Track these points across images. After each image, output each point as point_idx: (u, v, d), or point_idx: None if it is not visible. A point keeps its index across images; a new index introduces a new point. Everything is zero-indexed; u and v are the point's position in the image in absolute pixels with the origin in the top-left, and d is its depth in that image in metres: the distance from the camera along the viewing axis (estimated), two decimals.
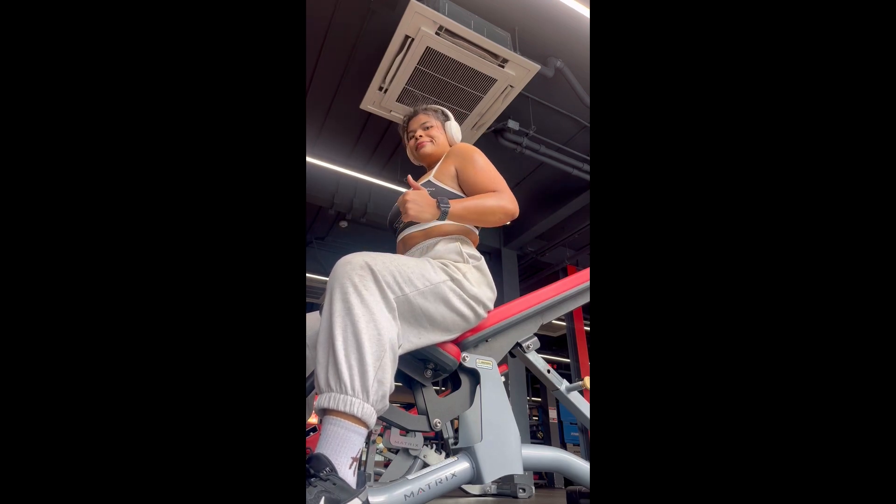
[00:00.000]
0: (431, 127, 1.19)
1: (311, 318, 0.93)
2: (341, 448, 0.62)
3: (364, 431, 0.65)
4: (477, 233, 1.07)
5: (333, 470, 0.60)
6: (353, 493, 0.60)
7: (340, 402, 0.64)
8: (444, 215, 0.91)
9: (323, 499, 0.56)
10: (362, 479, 0.65)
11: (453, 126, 1.21)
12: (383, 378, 0.67)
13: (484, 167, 1.02)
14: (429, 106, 1.24)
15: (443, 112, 1.23)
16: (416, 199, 0.89)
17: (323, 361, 0.67)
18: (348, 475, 0.61)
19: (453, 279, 0.85)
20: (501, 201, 0.96)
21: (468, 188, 1.02)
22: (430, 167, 1.15)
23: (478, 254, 0.97)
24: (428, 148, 1.16)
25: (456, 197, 1.02)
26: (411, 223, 1.02)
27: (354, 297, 0.70)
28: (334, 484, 0.58)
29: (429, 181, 1.06)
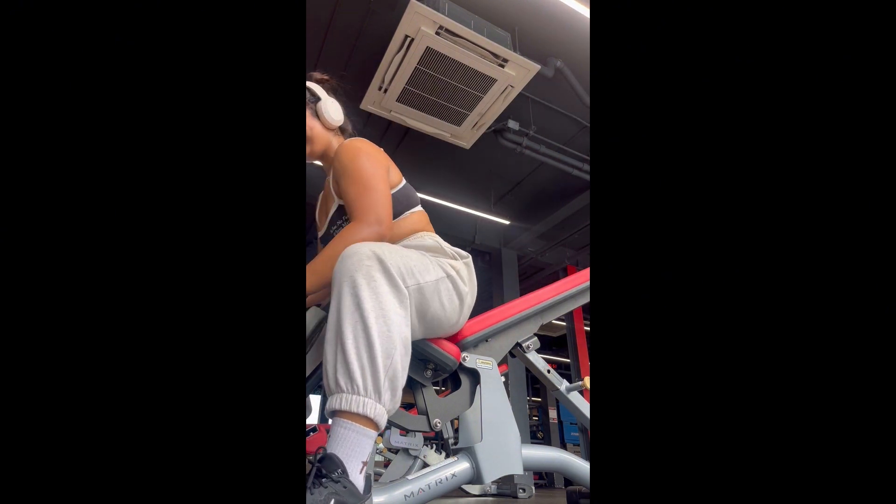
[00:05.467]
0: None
1: (308, 315, 0.85)
2: (353, 452, 0.60)
3: (374, 434, 0.63)
4: (425, 224, 0.96)
5: (345, 472, 0.58)
6: (361, 499, 0.59)
7: (353, 403, 0.61)
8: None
9: (333, 501, 0.55)
10: (369, 486, 0.65)
11: (327, 106, 0.96)
12: (394, 376, 0.65)
13: (353, 179, 0.83)
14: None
15: (311, 92, 0.98)
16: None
17: (332, 360, 0.64)
18: (359, 480, 0.60)
19: (449, 277, 0.81)
20: (344, 241, 0.75)
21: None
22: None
23: (464, 251, 0.91)
24: (306, 150, 0.95)
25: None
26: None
27: (364, 290, 0.65)
28: (345, 487, 0.57)
29: (339, 205, 0.90)
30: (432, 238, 0.91)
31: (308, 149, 0.95)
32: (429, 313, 0.77)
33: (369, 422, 0.62)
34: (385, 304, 0.66)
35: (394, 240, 0.89)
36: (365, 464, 0.62)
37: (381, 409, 0.63)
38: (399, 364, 0.66)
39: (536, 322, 1.04)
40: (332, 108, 0.97)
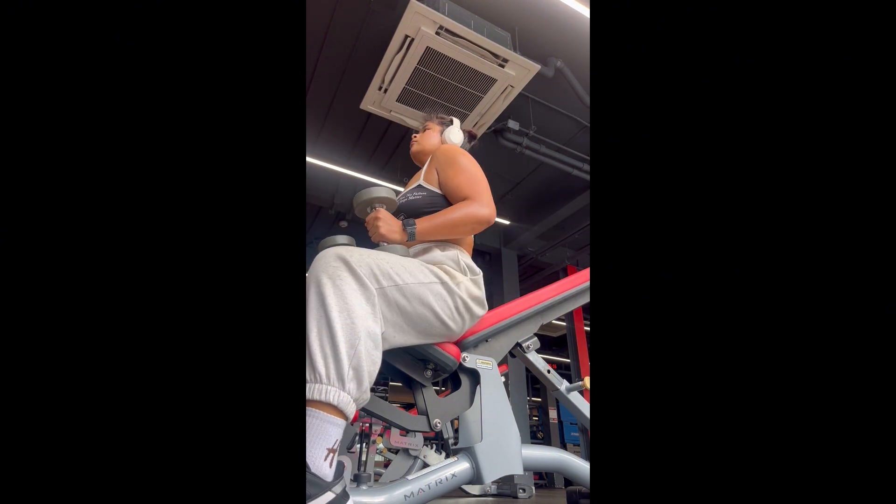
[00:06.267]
0: (428, 130, 1.22)
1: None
2: (317, 439, 0.61)
3: (342, 423, 0.64)
4: (472, 239, 1.04)
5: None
6: (325, 487, 0.58)
7: (316, 391, 0.62)
8: (410, 236, 0.89)
9: None
10: (340, 471, 0.66)
11: (453, 131, 1.21)
12: (359, 366, 0.65)
13: (463, 169, 0.98)
14: (439, 115, 1.28)
15: (449, 119, 1.26)
16: (385, 219, 0.88)
17: None
18: (323, 467, 0.60)
19: (444, 284, 0.82)
20: (471, 209, 0.91)
21: (446, 192, 1.00)
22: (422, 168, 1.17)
23: (476, 268, 0.93)
24: (414, 147, 1.20)
25: (438, 200, 1.00)
26: None
27: (328, 288, 0.68)
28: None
29: (418, 184, 1.04)
30: (443, 252, 0.93)
31: (420, 154, 1.19)
32: (413, 314, 0.78)
33: (333, 409, 0.63)
34: (349, 299, 0.69)
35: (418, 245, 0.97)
36: (332, 451, 0.62)
37: (346, 396, 0.64)
38: (363, 354, 0.67)
39: (536, 322, 1.05)
40: (455, 137, 1.20)
